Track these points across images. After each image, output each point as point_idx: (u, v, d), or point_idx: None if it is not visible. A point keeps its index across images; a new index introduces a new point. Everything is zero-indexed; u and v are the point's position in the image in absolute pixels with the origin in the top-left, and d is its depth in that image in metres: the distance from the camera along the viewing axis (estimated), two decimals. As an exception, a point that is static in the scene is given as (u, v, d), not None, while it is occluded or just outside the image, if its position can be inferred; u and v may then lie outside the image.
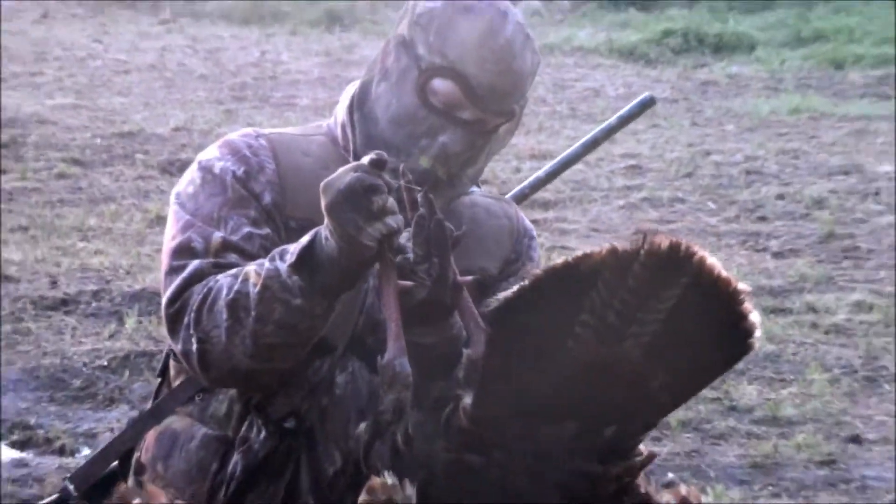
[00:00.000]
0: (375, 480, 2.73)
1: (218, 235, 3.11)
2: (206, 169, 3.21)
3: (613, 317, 2.67)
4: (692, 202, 10.96)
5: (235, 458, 3.19)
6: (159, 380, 3.52)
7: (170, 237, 3.16)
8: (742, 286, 2.68)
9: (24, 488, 6.34)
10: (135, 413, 5.64)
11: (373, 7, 17.49)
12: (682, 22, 16.79)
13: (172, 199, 3.24)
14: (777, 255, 9.71)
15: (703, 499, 6.21)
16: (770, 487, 6.52)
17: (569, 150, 3.83)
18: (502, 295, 2.77)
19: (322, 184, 2.90)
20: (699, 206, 10.86)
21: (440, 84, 3.12)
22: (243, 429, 3.19)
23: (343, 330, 3.21)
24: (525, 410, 2.82)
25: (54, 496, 3.40)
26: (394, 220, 2.89)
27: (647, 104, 3.92)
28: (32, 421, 7.09)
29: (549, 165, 3.86)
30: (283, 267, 2.96)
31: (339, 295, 3.05)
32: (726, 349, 2.79)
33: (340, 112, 3.33)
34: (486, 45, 3.10)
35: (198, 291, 3.04)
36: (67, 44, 16.01)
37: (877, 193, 10.99)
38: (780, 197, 10.98)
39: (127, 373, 7.49)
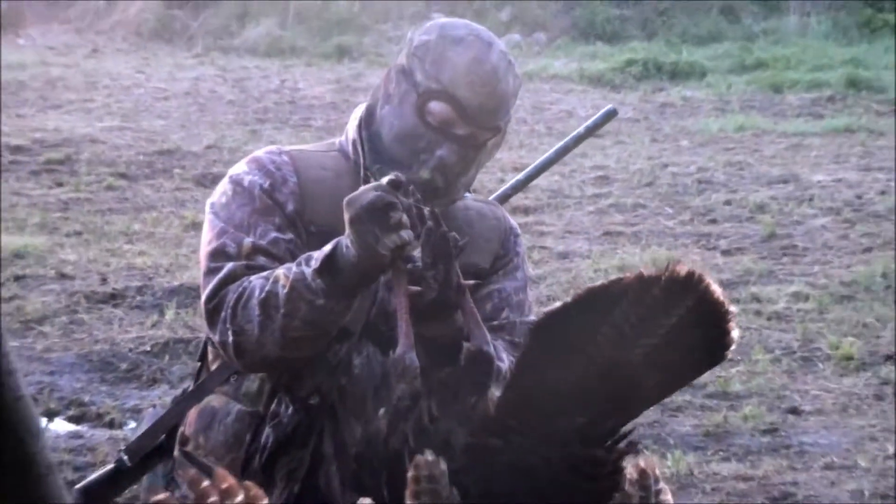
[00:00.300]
0: (420, 458, 2.74)
1: (248, 241, 3.14)
2: (236, 182, 3.23)
3: (629, 329, 2.75)
4: (652, 207, 10.95)
5: (267, 430, 3.20)
6: (199, 364, 3.53)
7: (206, 242, 3.19)
8: (732, 308, 2.76)
9: (79, 457, 6.35)
10: (174, 392, 5.63)
11: (377, 42, 17.44)
12: (642, 53, 16.76)
13: (207, 208, 3.27)
14: (725, 252, 9.69)
15: (664, 463, 6.22)
16: (721, 453, 6.52)
17: (544, 156, 3.86)
18: (547, 309, 2.84)
19: (346, 199, 2.96)
20: (658, 211, 10.84)
21: (436, 106, 3.13)
22: (273, 405, 3.20)
23: (358, 319, 3.23)
24: (544, 404, 2.86)
25: (111, 466, 3.39)
26: (406, 234, 2.95)
27: (611, 115, 4.02)
28: (86, 399, 7.10)
29: (527, 170, 3.85)
30: (308, 271, 3.00)
31: (357, 295, 3.09)
32: (708, 356, 2.86)
33: (351, 131, 3.34)
34: (475, 71, 3.12)
35: (233, 290, 3.07)
36: (114, 74, 15.98)
37: (811, 199, 10.98)
38: (728, 203, 10.96)
39: (167, 357, 7.50)
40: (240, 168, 3.29)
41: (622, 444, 2.88)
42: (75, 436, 6.69)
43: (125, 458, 3.37)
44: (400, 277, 3.04)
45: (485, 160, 3.34)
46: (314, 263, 3.01)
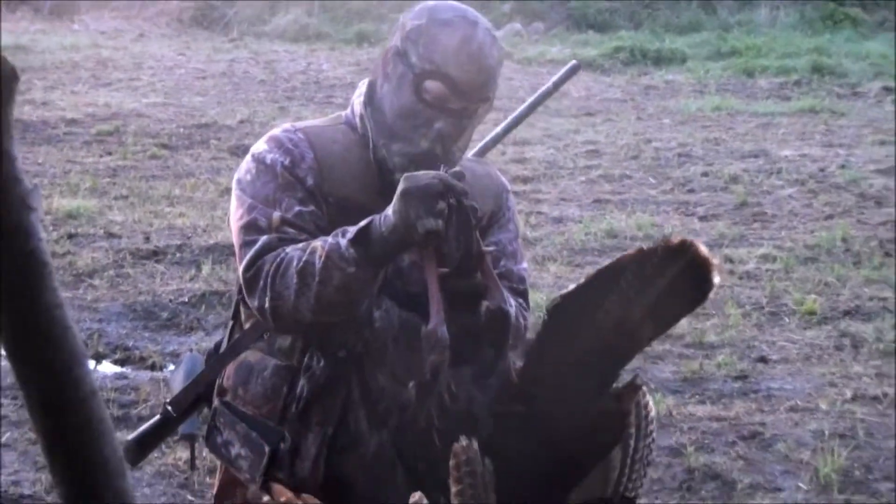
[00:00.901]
0: (457, 446, 2.73)
1: (277, 214, 3.10)
2: (259, 160, 3.19)
3: (633, 294, 2.79)
4: (637, 178, 10.93)
5: (302, 382, 3.17)
6: (231, 321, 3.49)
7: (237, 217, 3.15)
8: (716, 261, 2.82)
9: (124, 395, 6.35)
10: (210, 338, 5.65)
11: (393, 29, 17.43)
12: (629, 41, 16.71)
13: (234, 185, 3.23)
14: (702, 218, 9.68)
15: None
16: (696, 396, 6.51)
17: (517, 111, 3.74)
18: (565, 290, 2.87)
19: (406, 174, 2.94)
20: (642, 181, 10.83)
21: (431, 84, 3.09)
22: (305, 359, 3.17)
23: None
24: (562, 369, 2.88)
25: (158, 417, 3.37)
26: (442, 224, 2.92)
27: (575, 69, 3.89)
28: (130, 344, 7.11)
29: (503, 124, 3.75)
30: (343, 242, 2.96)
31: (385, 266, 3.07)
32: (691, 302, 2.89)
33: (356, 105, 3.30)
34: (464, 50, 3.08)
35: (269, 260, 3.04)
36: (158, 56, 15.95)
37: (779, 172, 10.97)
38: (705, 174, 10.95)
39: (203, 307, 7.51)
40: (261, 147, 3.24)
41: (626, 389, 2.91)
42: (121, 377, 6.70)
43: (170, 409, 3.35)
44: (431, 258, 3.01)
45: (476, 124, 3.28)
46: (349, 235, 2.98)
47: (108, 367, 6.90)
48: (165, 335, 7.26)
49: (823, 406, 6.38)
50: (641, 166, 11.33)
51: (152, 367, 6.80)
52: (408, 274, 3.20)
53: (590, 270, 8.33)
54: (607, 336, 2.85)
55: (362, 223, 2.99)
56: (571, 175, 10.85)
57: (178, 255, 8.50)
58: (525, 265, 3.46)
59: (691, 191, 10.50)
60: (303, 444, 3.19)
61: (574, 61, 3.94)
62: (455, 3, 3.20)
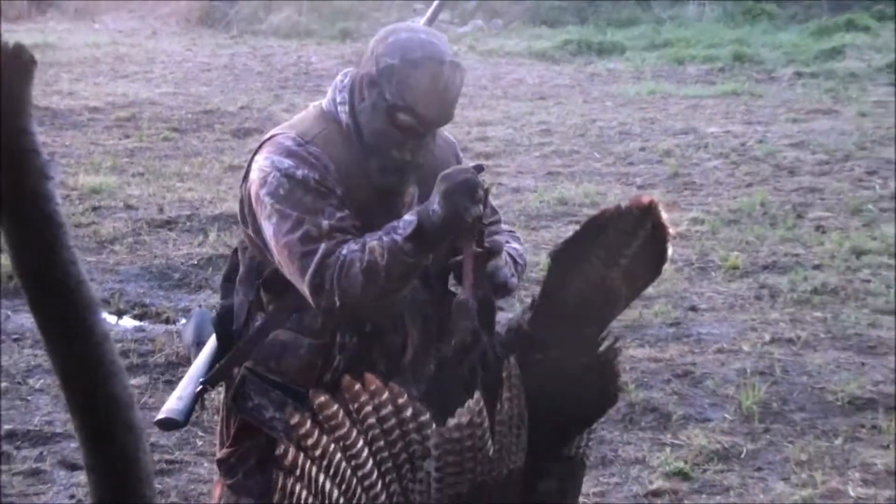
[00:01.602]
0: (508, 362, 2.77)
1: (326, 223, 3.04)
2: (289, 176, 3.09)
3: (613, 249, 2.83)
4: (584, 153, 10.93)
5: (339, 357, 3.16)
6: (248, 306, 3.40)
7: (286, 230, 3.06)
8: (672, 232, 2.86)
9: (142, 346, 6.34)
10: (216, 296, 5.61)
11: (372, 26, 17.34)
12: (576, 35, 16.69)
13: (267, 199, 3.11)
14: (640, 187, 9.68)
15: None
16: (637, 341, 6.52)
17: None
18: (560, 242, 2.93)
19: (440, 175, 2.97)
20: (589, 156, 10.82)
21: (402, 116, 3.02)
22: (338, 337, 3.16)
23: None
24: (565, 317, 2.88)
25: (197, 391, 3.32)
26: (482, 209, 2.99)
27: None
28: (147, 301, 7.10)
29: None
30: (399, 239, 2.97)
31: (433, 251, 3.07)
32: (654, 271, 2.92)
33: (338, 96, 3.23)
34: (432, 91, 3.00)
35: (331, 266, 3.01)
36: (169, 52, 15.87)
37: (706, 146, 10.98)
38: (642, 149, 10.95)
39: (210, 269, 7.50)
40: (284, 162, 3.12)
41: (615, 346, 2.92)
42: (139, 330, 6.68)
43: (207, 385, 3.32)
44: (468, 239, 3.02)
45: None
46: (402, 231, 2.98)
47: (128, 322, 6.88)
48: (178, 293, 7.25)
49: (745, 348, 6.39)
50: (587, 143, 11.32)
51: (166, 321, 6.79)
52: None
53: (544, 234, 8.38)
54: (596, 290, 2.86)
55: (413, 218, 3.00)
56: (527, 151, 10.84)
57: (188, 223, 8.48)
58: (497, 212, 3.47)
59: (630, 163, 10.50)
60: None
61: None
62: (424, 37, 3.09)
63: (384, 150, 3.10)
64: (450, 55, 3.07)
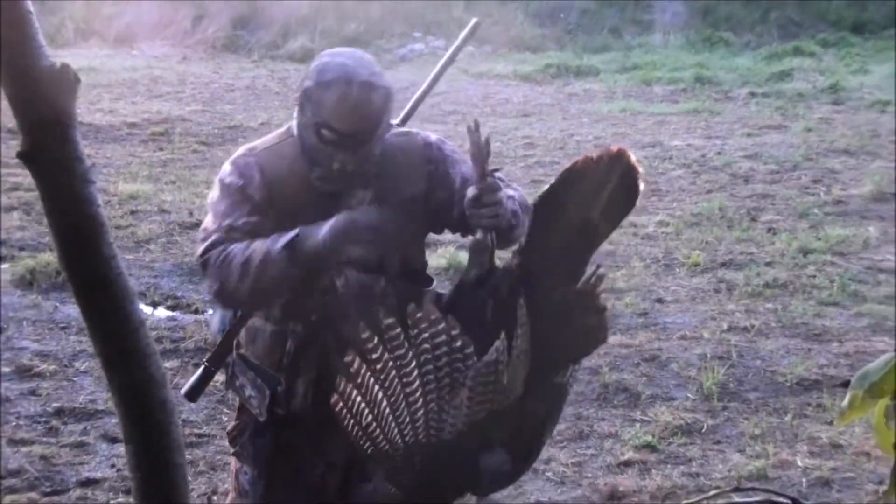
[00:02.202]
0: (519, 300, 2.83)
1: (227, 222, 3.07)
2: (220, 182, 3.15)
3: (590, 194, 2.90)
4: (563, 163, 10.85)
5: (289, 342, 3.17)
6: None
7: (204, 224, 3.13)
8: (641, 169, 2.96)
9: (174, 333, 6.33)
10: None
11: (376, 52, 17.32)
12: (556, 59, 16.65)
13: (207, 202, 3.20)
14: (613, 194, 9.66)
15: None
16: (609, 329, 6.50)
17: (431, 76, 3.46)
18: (544, 189, 2.95)
19: (348, 212, 3.02)
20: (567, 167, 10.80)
21: (324, 132, 2.99)
22: (290, 325, 3.15)
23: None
24: (552, 250, 2.92)
25: (199, 372, 3.34)
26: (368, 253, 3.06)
27: (475, 27, 3.55)
28: (179, 294, 7.09)
29: (420, 91, 3.47)
30: (275, 248, 2.96)
31: (313, 268, 3.04)
32: (628, 204, 2.98)
33: (294, 114, 3.20)
34: (342, 108, 2.96)
35: (215, 255, 3.03)
36: (197, 74, 15.85)
37: (671, 158, 10.96)
38: (615, 160, 10.93)
39: (234, 265, 7.46)
40: (224, 170, 3.16)
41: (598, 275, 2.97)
42: (172, 319, 6.67)
43: (210, 365, 3.33)
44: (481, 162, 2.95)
45: (382, 136, 3.10)
46: (281, 240, 2.97)
47: (161, 312, 6.86)
48: (206, 287, 7.23)
49: (706, 335, 6.39)
50: (566, 155, 11.29)
51: (196, 312, 6.77)
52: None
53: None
54: (576, 230, 2.90)
55: (292, 234, 2.98)
56: (513, 162, 10.81)
57: (214, 225, 8.46)
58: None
59: (605, 173, 10.49)
60: (294, 386, 3.19)
61: (474, 19, 3.60)
62: (340, 60, 3.05)
63: (321, 161, 3.06)
64: (364, 76, 3.00)
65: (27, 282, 7.10)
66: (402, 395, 2.79)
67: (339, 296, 3.13)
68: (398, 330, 2.75)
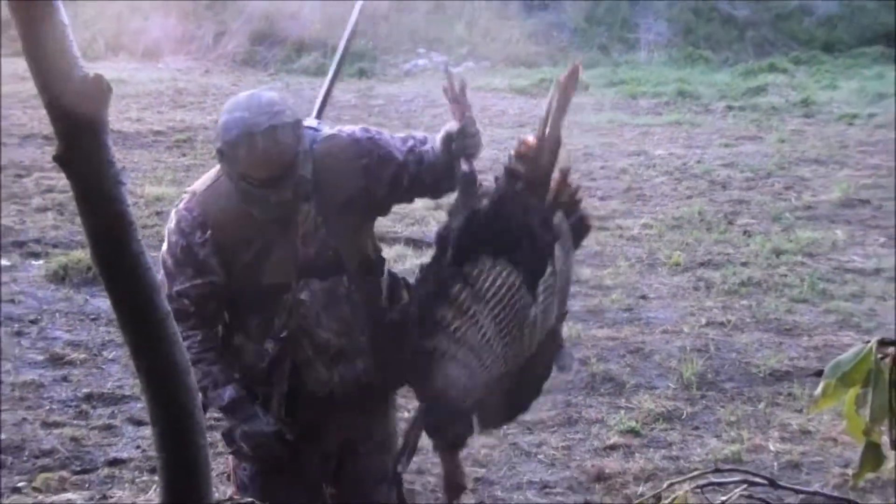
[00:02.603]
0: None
1: (175, 288, 3.01)
2: (168, 236, 3.08)
3: (558, 107, 3.10)
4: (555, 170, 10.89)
5: (265, 360, 3.13)
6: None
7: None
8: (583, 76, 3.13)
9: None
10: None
11: (383, 67, 17.32)
12: (550, 74, 16.61)
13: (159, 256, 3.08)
14: (601, 198, 9.65)
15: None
16: (597, 323, 6.51)
17: (331, 72, 3.48)
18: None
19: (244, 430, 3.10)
20: (559, 173, 10.79)
21: (247, 182, 2.92)
22: (265, 343, 3.11)
23: (288, 278, 3.08)
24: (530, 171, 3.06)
25: None
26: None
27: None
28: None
29: (328, 78, 3.46)
30: (216, 403, 3.10)
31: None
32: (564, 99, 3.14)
33: None
34: (253, 158, 2.87)
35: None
36: (218, 86, 15.82)
37: (654, 165, 10.95)
38: (602, 167, 10.92)
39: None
40: (171, 222, 3.08)
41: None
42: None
43: None
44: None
45: (301, 145, 2.99)
46: (215, 401, 3.08)
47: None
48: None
49: (686, 329, 6.39)
50: (558, 162, 11.30)
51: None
52: (322, 252, 3.09)
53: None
54: (548, 150, 3.09)
55: (229, 403, 3.07)
56: (509, 169, 10.82)
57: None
58: (405, 142, 3.22)
59: (593, 179, 10.48)
60: (270, 399, 3.14)
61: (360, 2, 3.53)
62: (239, 112, 2.95)
63: (259, 201, 2.97)
64: (263, 124, 2.90)
65: (60, 277, 7.10)
66: (487, 339, 2.86)
67: (305, 308, 3.08)
68: (465, 294, 2.81)
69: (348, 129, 3.20)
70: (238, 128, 2.91)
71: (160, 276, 3.01)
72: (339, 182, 3.09)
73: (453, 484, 3.21)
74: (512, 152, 3.03)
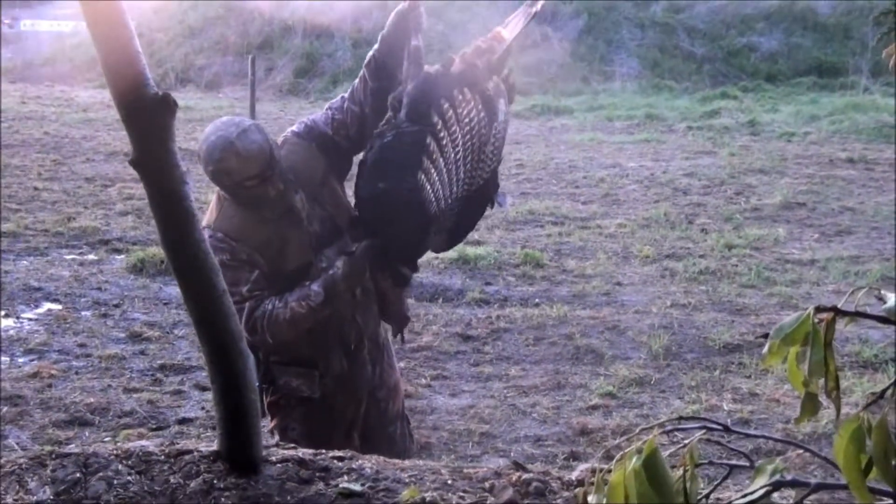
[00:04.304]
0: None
1: (245, 289, 2.95)
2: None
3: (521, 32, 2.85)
4: (545, 180, 10.87)
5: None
6: None
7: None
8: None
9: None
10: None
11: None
12: (541, 101, 16.60)
13: None
14: (584, 203, 9.64)
15: (549, 310, 6.10)
16: (580, 305, 6.49)
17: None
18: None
19: (344, 267, 2.94)
20: (548, 182, 10.77)
21: (248, 183, 2.88)
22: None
23: (308, 256, 3.04)
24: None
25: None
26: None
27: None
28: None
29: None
30: (313, 304, 2.95)
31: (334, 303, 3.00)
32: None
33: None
34: (240, 159, 2.85)
35: (259, 318, 2.95)
36: (267, 112, 15.83)
37: (627, 175, 10.93)
38: (585, 177, 10.90)
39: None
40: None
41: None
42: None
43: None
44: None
45: (267, 139, 2.93)
46: (314, 300, 2.93)
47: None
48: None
49: (654, 310, 6.36)
50: (548, 173, 11.27)
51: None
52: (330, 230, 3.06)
53: (519, 234, 8.26)
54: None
55: (319, 291, 2.93)
56: (507, 179, 10.78)
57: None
58: (329, 109, 3.11)
59: (577, 187, 10.46)
60: (330, 360, 3.12)
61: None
62: (214, 136, 2.91)
63: (262, 200, 2.93)
64: (234, 132, 2.88)
65: (138, 269, 7.11)
66: (457, 159, 2.77)
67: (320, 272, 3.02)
68: (451, 113, 2.72)
69: (289, 130, 3.15)
70: (217, 146, 2.89)
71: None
72: (310, 169, 3.05)
73: (401, 315, 3.21)
74: (479, 44, 2.85)
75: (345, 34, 18.72)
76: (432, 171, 2.75)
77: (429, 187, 2.76)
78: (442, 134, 2.73)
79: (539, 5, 2.88)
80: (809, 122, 14.43)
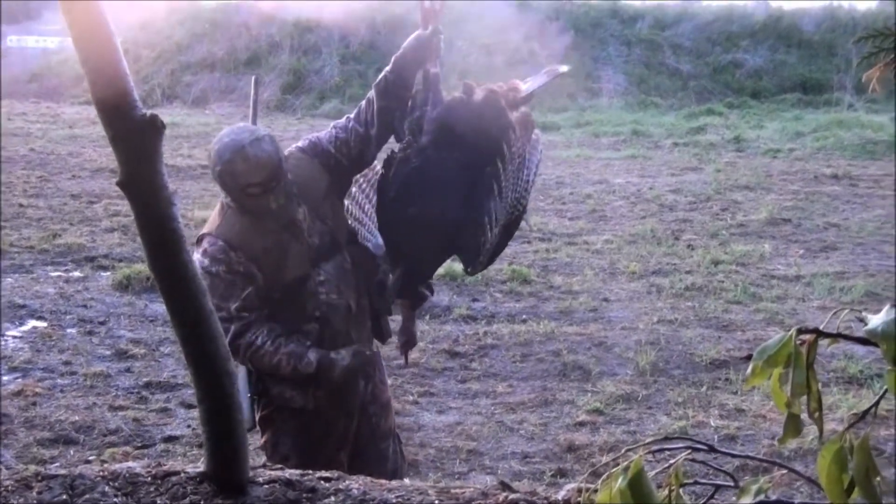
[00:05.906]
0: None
1: (233, 305, 2.95)
2: (206, 273, 2.95)
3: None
4: (534, 196, 10.80)
5: (309, 340, 3.08)
6: None
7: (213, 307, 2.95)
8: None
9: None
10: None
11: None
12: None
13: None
14: (571, 219, 9.67)
15: (536, 327, 6.11)
16: (567, 321, 6.50)
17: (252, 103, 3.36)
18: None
19: (346, 365, 3.04)
20: (536, 198, 10.78)
21: (251, 190, 2.90)
22: (302, 326, 3.09)
23: (306, 269, 3.05)
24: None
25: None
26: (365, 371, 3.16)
27: (256, 83, 3.52)
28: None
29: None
30: (301, 367, 3.00)
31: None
32: None
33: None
34: (247, 166, 2.87)
35: (242, 344, 2.97)
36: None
37: (615, 191, 10.97)
38: (572, 193, 10.93)
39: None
40: (203, 263, 2.98)
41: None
42: (234, 313, 6.60)
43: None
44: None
45: (278, 151, 2.96)
46: (304, 365, 2.98)
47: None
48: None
49: (641, 326, 6.38)
50: (537, 189, 11.23)
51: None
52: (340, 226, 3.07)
53: (507, 250, 8.33)
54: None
55: (311, 362, 2.97)
56: (495, 195, 10.80)
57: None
58: (334, 128, 3.17)
59: (564, 203, 10.48)
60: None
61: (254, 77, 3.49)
62: (227, 138, 2.93)
63: (264, 209, 2.95)
64: (247, 139, 2.90)
65: (124, 286, 7.09)
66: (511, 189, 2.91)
67: (327, 285, 3.05)
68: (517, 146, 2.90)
69: (294, 146, 3.18)
70: (229, 148, 2.91)
71: (214, 302, 2.91)
72: (314, 185, 3.08)
73: (409, 337, 3.29)
74: (503, 86, 2.95)
75: (332, 50, 18.75)
76: (497, 198, 2.84)
77: (494, 212, 2.84)
78: (507, 163, 2.82)
79: (565, 68, 3.01)
80: (794, 138, 14.52)
